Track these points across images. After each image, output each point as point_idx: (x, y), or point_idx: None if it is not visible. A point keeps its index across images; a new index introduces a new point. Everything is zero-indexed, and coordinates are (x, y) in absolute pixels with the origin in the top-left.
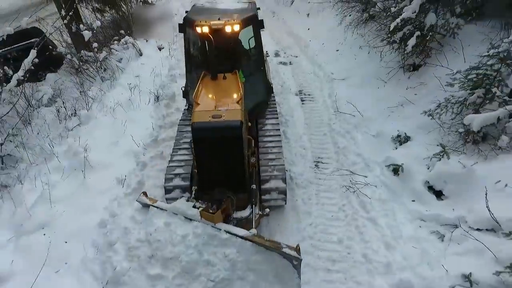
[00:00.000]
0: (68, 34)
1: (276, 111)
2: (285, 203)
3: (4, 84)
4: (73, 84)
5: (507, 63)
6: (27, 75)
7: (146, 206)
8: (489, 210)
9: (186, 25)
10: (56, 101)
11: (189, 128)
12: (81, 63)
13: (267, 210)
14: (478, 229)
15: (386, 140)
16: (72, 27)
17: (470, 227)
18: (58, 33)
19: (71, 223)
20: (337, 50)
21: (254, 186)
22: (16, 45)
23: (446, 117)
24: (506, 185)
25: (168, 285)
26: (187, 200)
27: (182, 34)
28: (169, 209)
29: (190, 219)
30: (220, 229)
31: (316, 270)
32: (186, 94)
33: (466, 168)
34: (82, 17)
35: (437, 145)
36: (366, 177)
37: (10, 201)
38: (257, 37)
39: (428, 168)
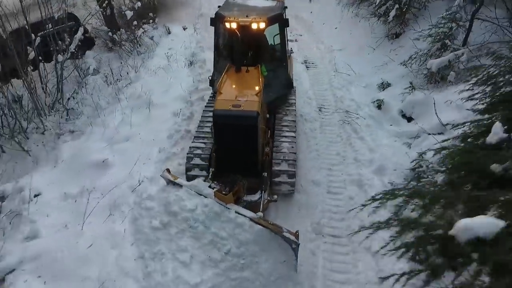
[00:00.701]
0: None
1: (295, 109)
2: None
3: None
4: (110, 58)
5: (456, 22)
6: (76, 49)
7: (168, 182)
8: (438, 118)
9: (217, 20)
10: (99, 71)
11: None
12: (119, 40)
13: (275, 196)
14: (432, 134)
15: (373, 88)
16: (106, 11)
17: (428, 134)
18: (98, 16)
19: (148, 136)
20: (336, 28)
21: (265, 174)
22: (57, 27)
23: (415, 66)
24: (451, 102)
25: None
26: (204, 180)
27: (204, 18)
28: (187, 186)
29: (200, 195)
30: (230, 209)
31: (321, 169)
32: (212, 82)
33: (426, 95)
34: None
35: (409, 85)
36: (357, 114)
37: (98, 127)
38: (282, 35)
39: (401, 101)
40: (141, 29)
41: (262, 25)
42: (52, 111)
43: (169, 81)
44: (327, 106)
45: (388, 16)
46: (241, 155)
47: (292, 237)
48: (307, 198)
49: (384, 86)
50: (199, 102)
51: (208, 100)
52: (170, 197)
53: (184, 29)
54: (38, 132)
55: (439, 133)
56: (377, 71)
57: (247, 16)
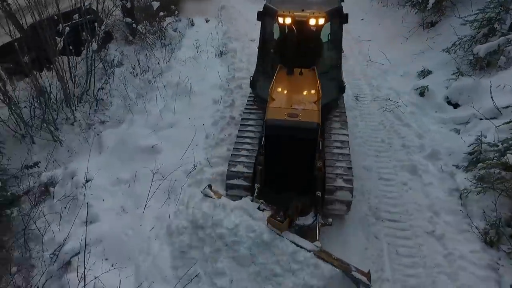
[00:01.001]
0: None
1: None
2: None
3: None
4: (136, 50)
5: (506, 7)
6: (101, 41)
7: (207, 197)
8: (494, 102)
9: (266, 14)
10: (123, 64)
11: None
12: (144, 32)
13: (330, 220)
14: (485, 119)
15: (412, 77)
16: (127, 5)
17: (480, 119)
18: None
19: (192, 122)
20: (362, 19)
21: (319, 193)
22: (78, 20)
23: (459, 52)
24: (504, 86)
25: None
26: (252, 200)
27: (226, 10)
28: (233, 207)
29: (249, 216)
30: (284, 237)
31: (368, 156)
32: (253, 84)
33: (475, 80)
34: None
35: (455, 71)
36: (398, 102)
37: (138, 114)
38: (339, 32)
39: (446, 88)
40: (166, 20)
41: (321, 20)
42: (81, 102)
43: (204, 70)
44: (363, 95)
45: (428, 4)
46: (295, 171)
47: (363, 278)
48: (361, 184)
49: (424, 73)
50: (238, 90)
51: (247, 103)
52: (203, 210)
53: (207, 21)
54: (68, 123)
55: (492, 118)
56: (414, 59)
57: (302, 11)
